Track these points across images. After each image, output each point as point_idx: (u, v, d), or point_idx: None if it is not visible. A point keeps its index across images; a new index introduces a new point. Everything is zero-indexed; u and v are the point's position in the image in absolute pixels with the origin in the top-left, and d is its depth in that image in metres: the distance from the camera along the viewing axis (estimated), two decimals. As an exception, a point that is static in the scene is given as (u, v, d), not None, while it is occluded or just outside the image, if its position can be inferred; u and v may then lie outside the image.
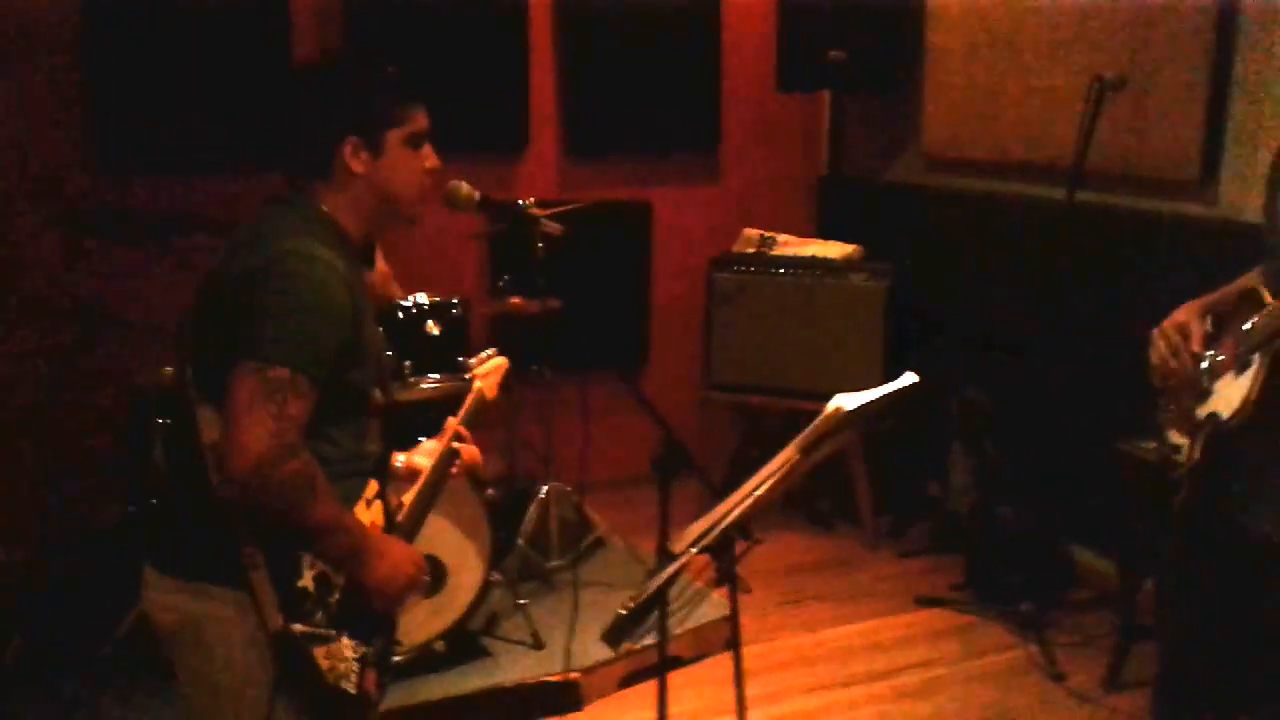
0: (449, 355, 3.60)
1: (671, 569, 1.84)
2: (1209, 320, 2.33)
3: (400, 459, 2.25)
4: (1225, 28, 3.46)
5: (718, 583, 1.96)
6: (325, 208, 1.94)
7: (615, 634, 1.87)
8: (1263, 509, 2.17)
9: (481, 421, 2.35)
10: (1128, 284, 3.79)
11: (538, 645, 3.42)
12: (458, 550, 3.28)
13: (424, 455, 2.26)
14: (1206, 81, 3.49)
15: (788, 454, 1.90)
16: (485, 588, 3.38)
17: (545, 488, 3.83)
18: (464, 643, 3.36)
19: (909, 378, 2.03)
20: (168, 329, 3.24)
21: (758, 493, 1.87)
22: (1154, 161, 3.68)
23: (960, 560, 4.08)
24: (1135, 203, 3.79)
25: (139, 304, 3.71)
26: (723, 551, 1.91)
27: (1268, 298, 2.15)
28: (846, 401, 1.88)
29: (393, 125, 1.95)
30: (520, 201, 3.01)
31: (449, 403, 3.31)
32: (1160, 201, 3.70)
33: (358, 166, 1.93)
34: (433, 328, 3.60)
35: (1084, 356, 3.86)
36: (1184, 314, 2.36)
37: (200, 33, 4.01)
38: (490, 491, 3.49)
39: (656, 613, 1.87)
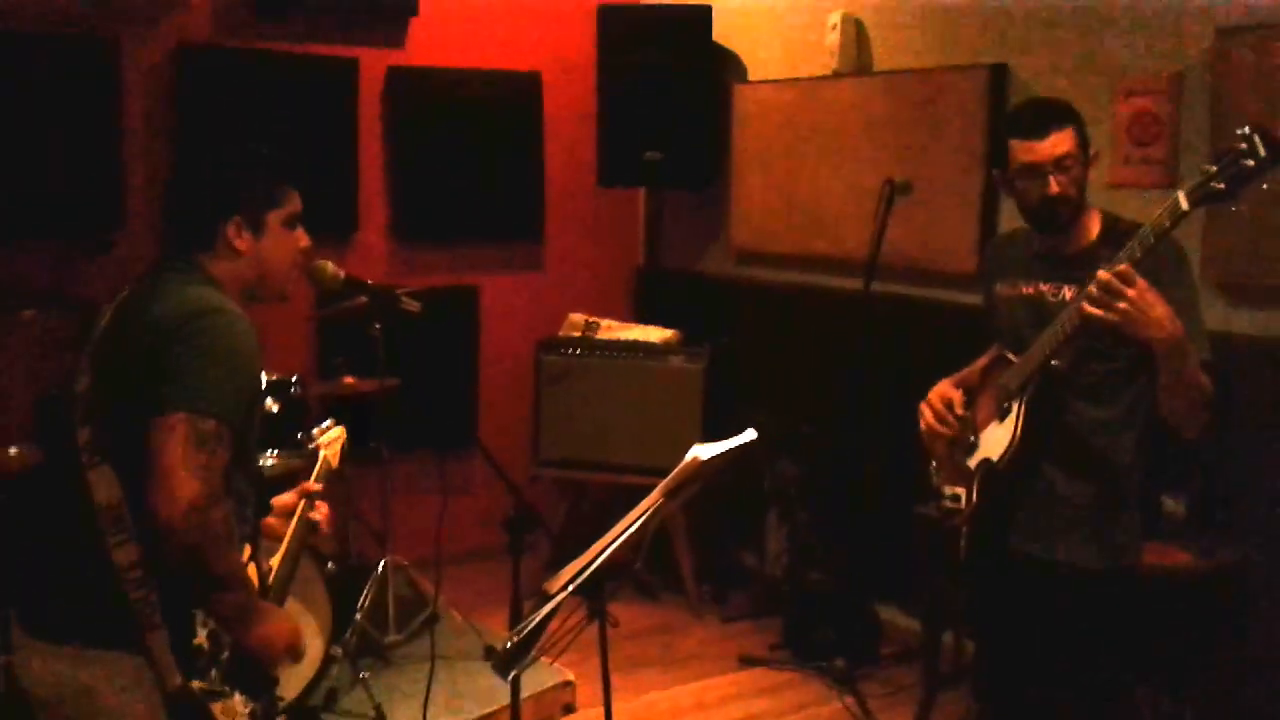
0: (288, 433, 3.64)
1: (552, 604, 1.99)
2: (962, 391, 2.74)
3: None
4: (995, 139, 3.96)
5: (589, 619, 2.11)
6: (213, 276, 2.04)
7: (504, 665, 2.00)
8: (1048, 537, 2.54)
9: (328, 491, 2.43)
10: (917, 364, 4.20)
11: (379, 718, 3.44)
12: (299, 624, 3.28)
13: (277, 515, 2.33)
14: (981, 186, 3.98)
15: (653, 498, 2.09)
16: (326, 662, 3.39)
17: (382, 563, 3.87)
18: (305, 718, 3.34)
19: (750, 434, 2.27)
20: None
21: (626, 534, 2.05)
22: (937, 256, 4.14)
23: (778, 622, 4.35)
24: (922, 293, 4.24)
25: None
26: (594, 590, 2.08)
27: (1013, 358, 2.56)
28: (703, 451, 2.10)
29: (273, 207, 2.07)
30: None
31: (289, 479, 3.36)
32: (943, 291, 4.15)
33: (241, 245, 2.03)
34: (271, 405, 3.63)
35: (882, 430, 4.24)
36: (944, 386, 2.77)
37: (28, 97, 3.98)
38: (330, 566, 3.51)
39: (537, 645, 2.00)
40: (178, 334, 1.86)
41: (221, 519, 1.82)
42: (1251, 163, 2.09)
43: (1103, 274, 2.21)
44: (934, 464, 2.78)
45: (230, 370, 1.87)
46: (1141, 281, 2.20)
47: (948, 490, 2.72)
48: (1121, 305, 2.19)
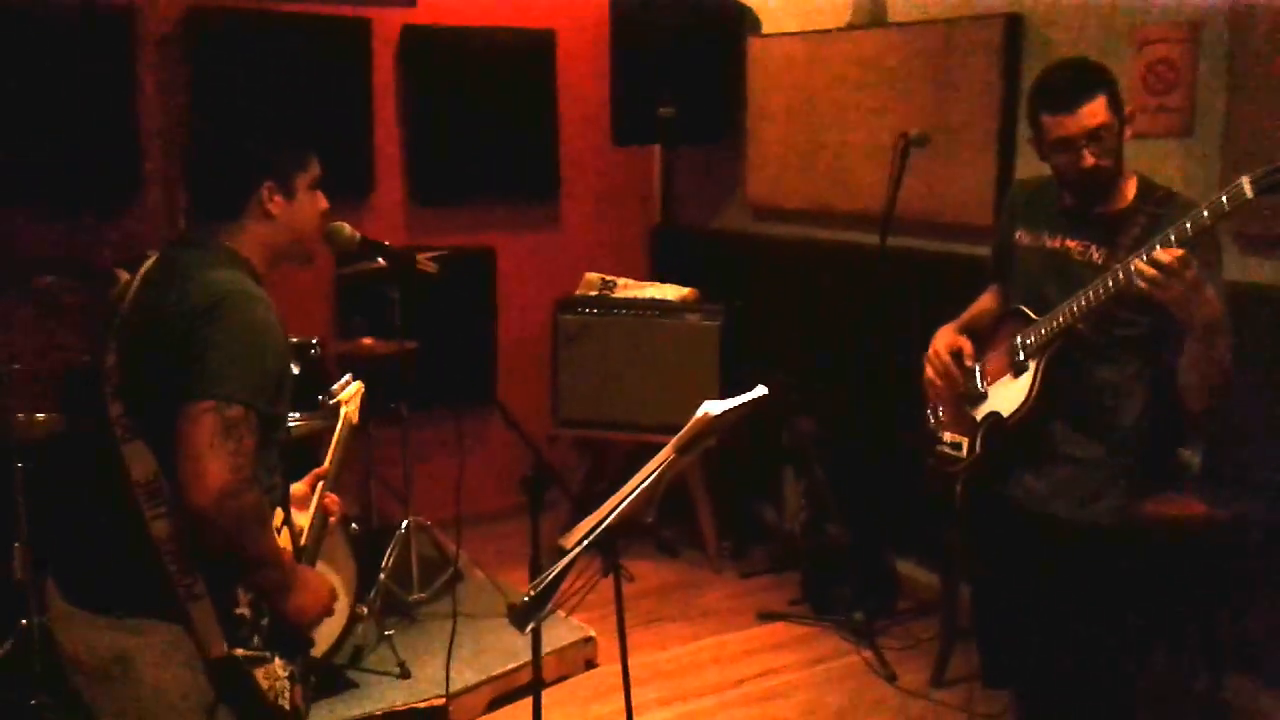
0: (309, 394, 3.67)
1: (567, 558, 2.03)
2: (969, 338, 2.72)
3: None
4: (1011, 90, 3.93)
5: (603, 573, 2.15)
6: (233, 246, 2.05)
7: (520, 617, 2.04)
8: (1051, 493, 2.54)
9: (351, 446, 2.46)
10: (934, 318, 4.19)
11: (404, 674, 3.50)
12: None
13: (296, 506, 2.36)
14: (996, 138, 3.95)
15: (665, 454, 2.12)
16: (351, 621, 3.45)
17: (405, 523, 3.93)
18: (331, 675, 3.42)
19: (760, 390, 2.29)
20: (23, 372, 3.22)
21: (638, 490, 2.07)
22: (954, 209, 4.11)
23: (797, 577, 4.39)
24: (939, 246, 4.22)
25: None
26: (608, 545, 2.11)
27: (1031, 314, 2.54)
28: (714, 407, 2.12)
29: (301, 170, 2.10)
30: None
31: (311, 440, 3.41)
32: (960, 244, 4.13)
33: (274, 210, 2.06)
34: (292, 367, 3.66)
35: (897, 384, 4.24)
36: (949, 334, 2.75)
37: (43, 66, 4.00)
38: (354, 527, 3.56)
39: (552, 597, 2.04)
40: (202, 320, 1.88)
41: (253, 503, 1.86)
42: None
43: (1161, 254, 2.16)
44: (934, 409, 2.78)
45: (255, 354, 1.89)
46: (1195, 264, 2.17)
47: (948, 437, 2.72)
48: (1178, 288, 2.16)
